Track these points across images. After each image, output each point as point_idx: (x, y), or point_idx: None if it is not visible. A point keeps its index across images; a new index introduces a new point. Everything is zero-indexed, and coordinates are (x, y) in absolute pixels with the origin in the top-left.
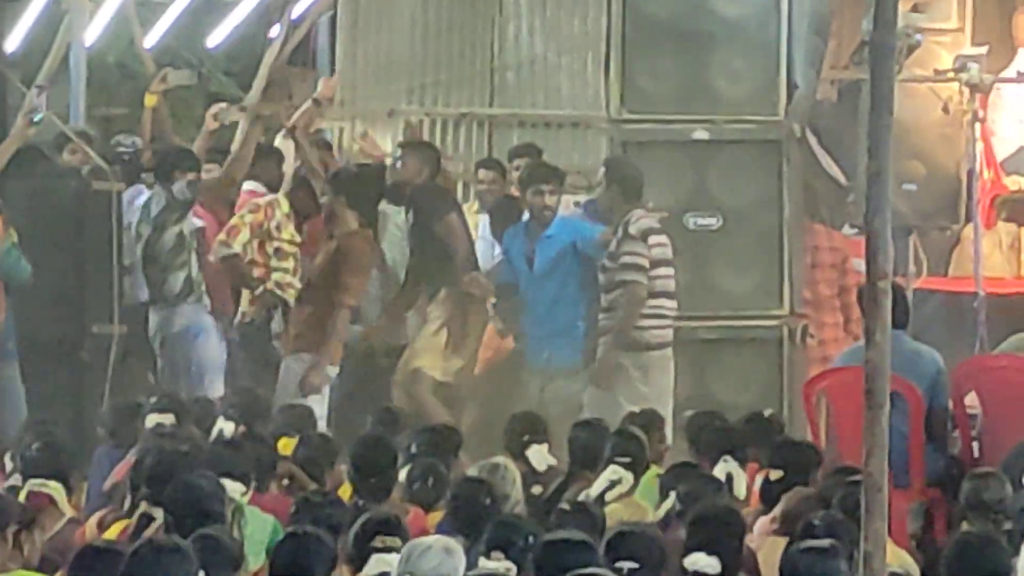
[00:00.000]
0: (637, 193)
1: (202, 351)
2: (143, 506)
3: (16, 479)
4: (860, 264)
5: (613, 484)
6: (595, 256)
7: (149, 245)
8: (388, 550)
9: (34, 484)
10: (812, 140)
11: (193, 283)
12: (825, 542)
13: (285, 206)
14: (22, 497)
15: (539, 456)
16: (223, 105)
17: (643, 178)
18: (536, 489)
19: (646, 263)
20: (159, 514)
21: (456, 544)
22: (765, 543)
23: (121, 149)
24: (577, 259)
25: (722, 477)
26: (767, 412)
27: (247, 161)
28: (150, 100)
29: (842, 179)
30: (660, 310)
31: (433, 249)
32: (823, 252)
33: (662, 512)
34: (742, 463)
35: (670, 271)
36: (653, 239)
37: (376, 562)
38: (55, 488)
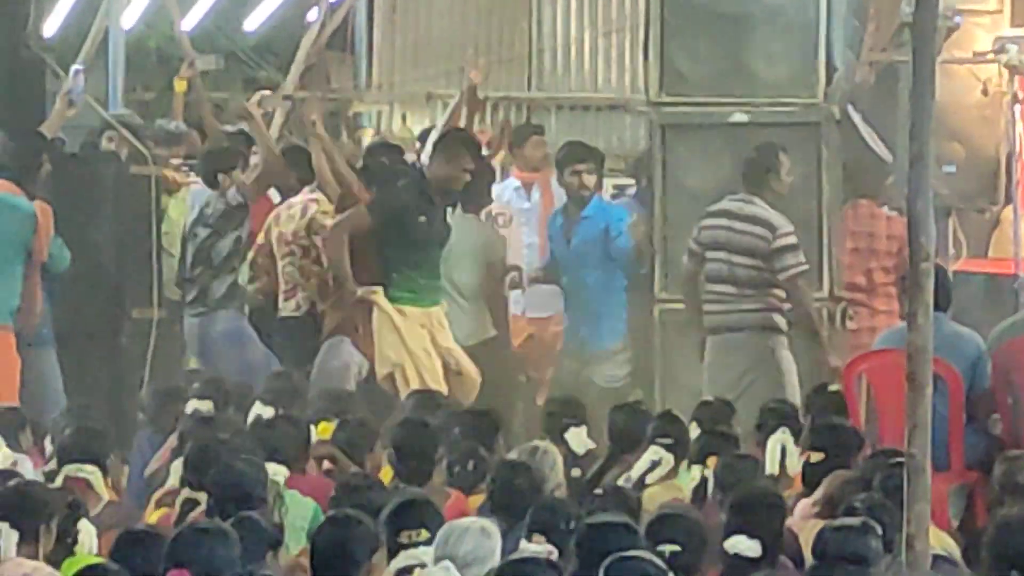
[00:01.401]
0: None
1: (248, 355)
2: (186, 491)
3: (54, 464)
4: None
5: (654, 465)
6: (623, 244)
7: (204, 248)
8: (415, 545)
9: (70, 469)
10: (856, 117)
11: (238, 289)
12: (856, 520)
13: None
14: (59, 482)
15: (578, 439)
16: (266, 92)
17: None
18: (575, 472)
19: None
20: (203, 498)
21: (493, 526)
22: (807, 526)
23: (163, 133)
24: (608, 243)
25: (776, 450)
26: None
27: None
28: (180, 85)
29: (887, 155)
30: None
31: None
32: (879, 239)
33: (689, 489)
34: (796, 437)
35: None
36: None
37: (404, 557)
38: (91, 472)
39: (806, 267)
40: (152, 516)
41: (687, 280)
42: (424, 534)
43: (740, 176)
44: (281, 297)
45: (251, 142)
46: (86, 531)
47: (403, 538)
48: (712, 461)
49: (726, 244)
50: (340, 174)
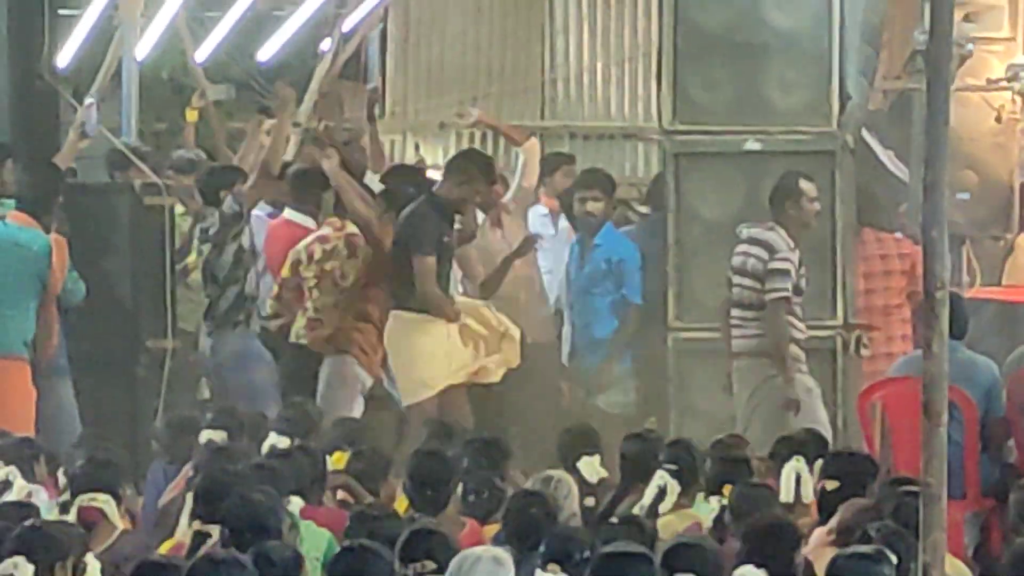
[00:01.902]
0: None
1: (254, 376)
2: (197, 524)
3: (68, 495)
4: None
5: (660, 491)
6: (628, 272)
7: (208, 264)
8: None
9: (83, 499)
10: (873, 142)
11: (246, 298)
12: (870, 548)
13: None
14: (73, 514)
15: (591, 468)
16: (275, 122)
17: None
18: (589, 501)
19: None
20: (215, 531)
21: (506, 555)
22: (822, 554)
23: (183, 162)
24: (619, 274)
25: (791, 478)
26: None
27: (279, 152)
28: (191, 116)
29: (906, 176)
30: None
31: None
32: (892, 259)
33: (710, 519)
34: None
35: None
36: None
37: None
38: (104, 501)
39: (786, 294)
40: (163, 547)
41: (719, 307)
42: (430, 565)
43: (754, 204)
44: (306, 326)
45: (238, 174)
46: (92, 565)
47: (410, 570)
48: (728, 489)
49: (740, 269)
50: (357, 213)
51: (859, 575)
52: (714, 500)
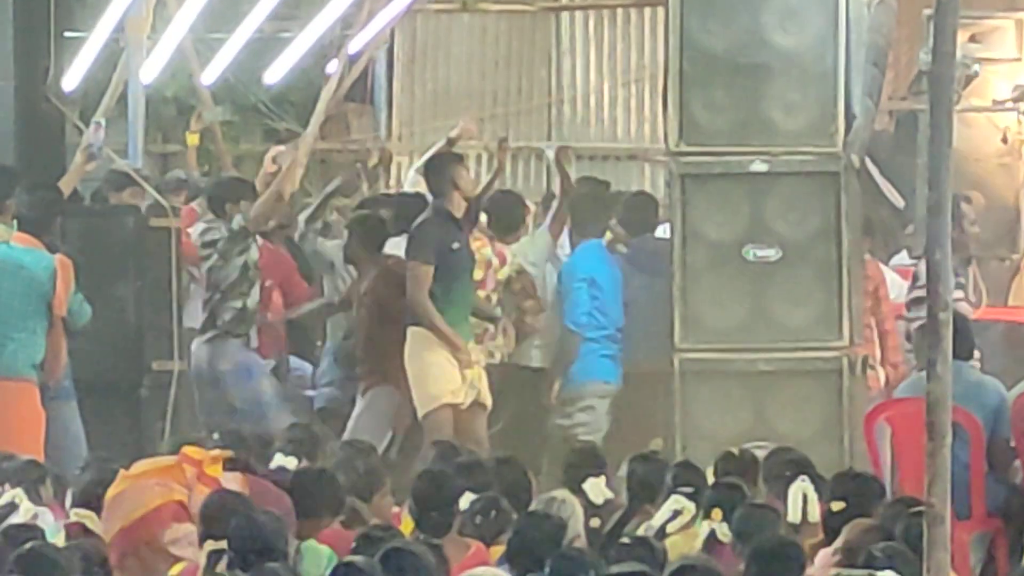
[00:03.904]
0: None
1: (260, 385)
2: (210, 543)
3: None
4: (900, 292)
5: (676, 515)
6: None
7: (213, 272)
8: None
9: (72, 514)
10: (873, 170)
11: (247, 314)
12: (864, 572)
13: None
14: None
15: (596, 489)
16: (281, 148)
17: None
18: (595, 522)
19: None
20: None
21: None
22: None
23: (175, 181)
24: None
25: (798, 498)
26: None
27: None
28: (192, 139)
29: (899, 202)
30: None
31: None
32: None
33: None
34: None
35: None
36: None
37: None
38: (87, 516)
39: None
40: (174, 569)
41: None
42: None
43: (760, 225)
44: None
45: (246, 187)
46: None
47: None
48: (717, 513)
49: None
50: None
51: None
52: (704, 524)
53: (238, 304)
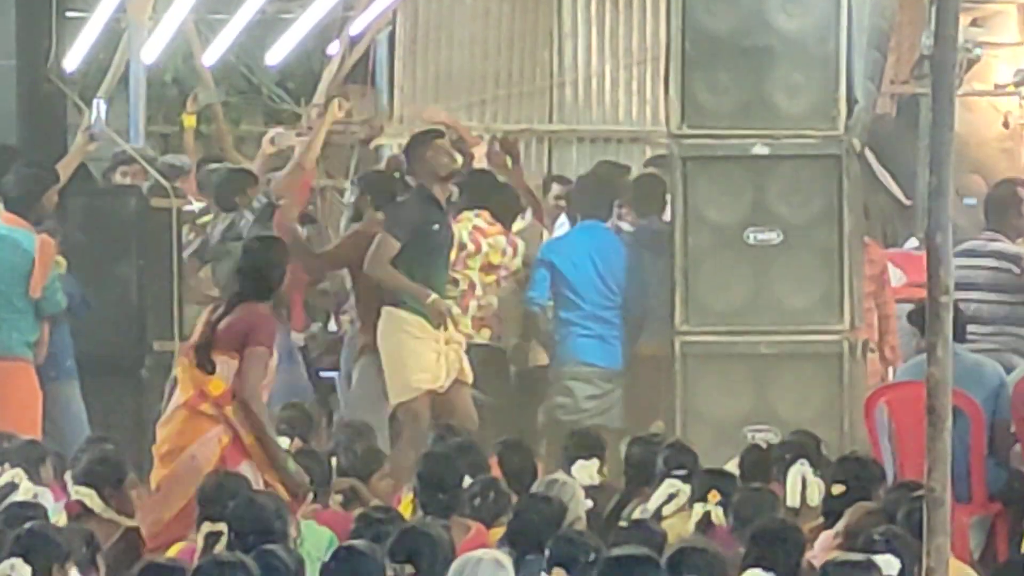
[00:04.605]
0: None
1: (295, 370)
2: (208, 525)
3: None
4: (900, 278)
5: (671, 498)
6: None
7: (217, 267)
8: None
9: (73, 493)
10: (871, 158)
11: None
12: (860, 556)
13: None
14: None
15: (585, 472)
16: (280, 130)
17: None
18: (587, 504)
19: None
20: (225, 529)
21: (506, 557)
22: (828, 559)
23: (166, 167)
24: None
25: (797, 482)
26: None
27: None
28: (189, 121)
29: (903, 198)
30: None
31: None
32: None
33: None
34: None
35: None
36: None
37: None
38: (85, 494)
39: None
40: (173, 549)
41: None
42: (408, 569)
43: (761, 208)
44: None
45: (252, 179)
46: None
47: (391, 571)
48: (714, 495)
49: (969, 282)
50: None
51: None
52: (699, 507)
53: None
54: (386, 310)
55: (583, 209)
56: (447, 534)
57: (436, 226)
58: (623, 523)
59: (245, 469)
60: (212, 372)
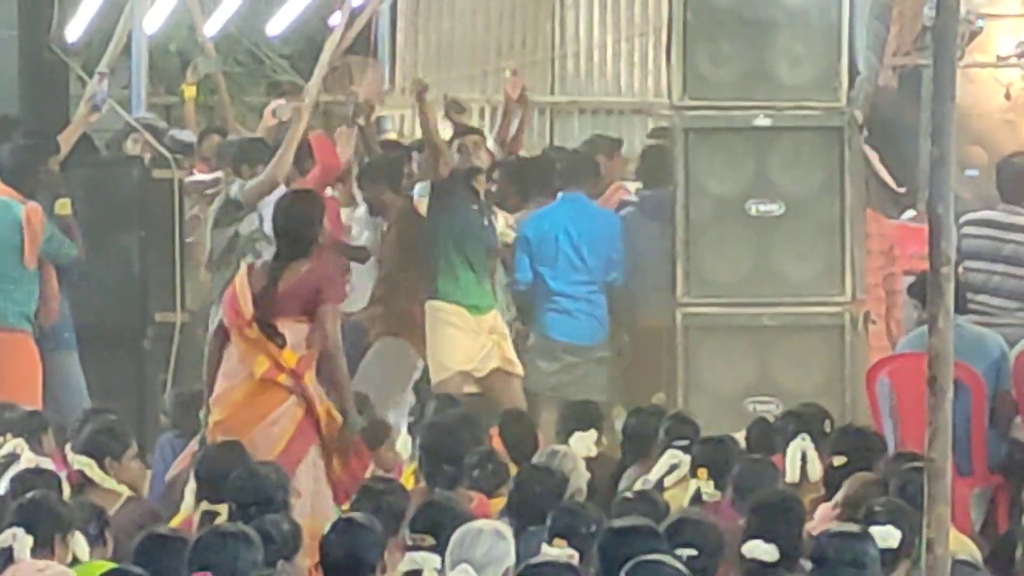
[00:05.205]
0: None
1: None
2: (205, 504)
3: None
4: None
5: (673, 468)
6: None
7: (212, 238)
8: (418, 548)
9: (74, 462)
10: (869, 151)
11: None
12: (855, 527)
13: None
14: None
15: (582, 443)
16: (281, 101)
17: None
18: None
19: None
20: (222, 510)
21: (507, 527)
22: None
23: (172, 142)
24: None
25: (796, 456)
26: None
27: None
28: (189, 91)
29: (895, 185)
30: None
31: None
32: (872, 239)
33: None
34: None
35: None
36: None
37: (408, 560)
38: (85, 463)
39: None
40: (172, 523)
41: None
42: (428, 540)
43: (763, 179)
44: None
45: (267, 149)
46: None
47: (410, 541)
48: (703, 472)
49: (989, 254)
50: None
51: (843, 553)
52: (692, 482)
53: (227, 274)
54: (428, 304)
55: (565, 181)
56: (466, 508)
57: (475, 206)
58: (628, 494)
59: (313, 454)
60: (282, 343)
